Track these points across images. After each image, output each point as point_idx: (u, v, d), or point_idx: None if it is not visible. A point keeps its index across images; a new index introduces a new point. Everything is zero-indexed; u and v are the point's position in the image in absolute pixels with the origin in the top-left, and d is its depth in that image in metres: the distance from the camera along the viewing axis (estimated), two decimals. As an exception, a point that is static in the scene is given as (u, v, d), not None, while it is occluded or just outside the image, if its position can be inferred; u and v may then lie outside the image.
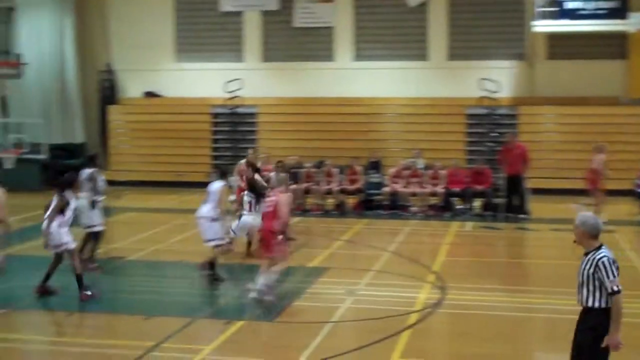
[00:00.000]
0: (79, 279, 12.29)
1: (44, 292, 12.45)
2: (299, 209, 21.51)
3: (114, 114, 29.09)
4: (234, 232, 14.87)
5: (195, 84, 28.76)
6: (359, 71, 27.97)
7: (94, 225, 14.33)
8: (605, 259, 6.98)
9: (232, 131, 28.10)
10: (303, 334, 10.61)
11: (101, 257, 14.81)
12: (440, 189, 21.58)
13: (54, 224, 12.16)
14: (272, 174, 17.26)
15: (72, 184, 12.56)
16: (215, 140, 28.21)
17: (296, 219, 20.81)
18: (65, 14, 28.88)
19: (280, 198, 12.16)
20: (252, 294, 12.01)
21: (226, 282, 13.39)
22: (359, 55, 28.38)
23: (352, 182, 22.19)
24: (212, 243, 13.45)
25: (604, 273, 6.95)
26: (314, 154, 24.91)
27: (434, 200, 21.76)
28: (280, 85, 28.46)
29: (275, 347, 10.35)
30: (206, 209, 13.39)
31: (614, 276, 6.94)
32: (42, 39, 28.81)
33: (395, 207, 21.64)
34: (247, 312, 11.72)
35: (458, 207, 21.64)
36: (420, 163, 22.85)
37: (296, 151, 24.61)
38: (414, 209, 21.51)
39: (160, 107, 29.10)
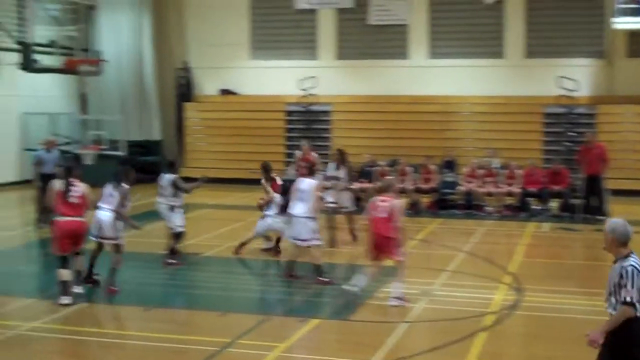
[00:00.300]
0: (113, 272, 12.68)
1: (92, 282, 12.92)
2: (373, 208, 21.50)
3: (190, 111, 29.49)
4: (257, 232, 15.25)
5: (270, 82, 28.95)
6: (433, 69, 27.78)
7: (175, 227, 14.68)
8: (630, 267, 6.75)
9: (306, 129, 28.20)
10: (377, 333, 10.58)
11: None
12: (516, 188, 21.29)
13: (112, 216, 12.56)
14: (331, 164, 17.28)
15: (127, 176, 12.93)
16: (289, 138, 28.31)
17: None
18: (144, 13, 29.40)
19: (394, 203, 12.01)
20: (354, 288, 11.96)
21: (303, 280, 13.41)
22: (434, 53, 28.17)
23: (427, 181, 22.05)
24: (306, 243, 13.26)
25: (624, 281, 6.73)
26: (388, 153, 24.85)
27: (509, 201, 21.49)
28: (354, 83, 28.45)
29: (349, 345, 10.34)
30: (302, 208, 13.13)
31: (632, 287, 6.71)
32: (121, 37, 29.39)
33: (470, 206, 21.43)
34: (321, 310, 11.75)
35: (534, 207, 21.32)
36: (496, 162, 22.59)
37: (370, 149, 24.55)
38: (489, 209, 21.26)
39: (235, 104, 29.39)
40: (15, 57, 23.77)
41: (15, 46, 23.60)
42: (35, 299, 12.18)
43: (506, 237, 18.70)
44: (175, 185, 14.58)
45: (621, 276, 6.76)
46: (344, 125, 28.06)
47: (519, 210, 21.14)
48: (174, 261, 14.53)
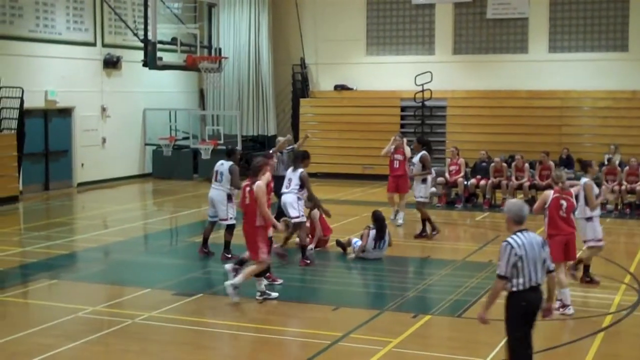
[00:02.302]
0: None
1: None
2: (487, 204, 21.24)
3: (305, 106, 29.75)
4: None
5: (385, 77, 28.92)
6: (553, 63, 27.13)
7: (293, 218, 14.51)
8: (504, 243, 7.37)
9: (421, 124, 28.04)
10: (489, 331, 10.39)
11: (291, 247, 15.25)
12: (638, 186, 20.57)
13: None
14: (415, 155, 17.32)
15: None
16: (404, 134, 28.11)
17: (484, 214, 20.54)
18: (262, 10, 29.82)
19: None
20: (569, 311, 11.20)
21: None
22: (554, 47, 27.50)
23: (543, 177, 21.56)
24: (590, 244, 12.71)
25: (500, 256, 7.38)
26: (504, 149, 24.49)
27: (631, 198, 20.78)
28: (470, 78, 28.09)
29: (461, 342, 10.25)
30: (579, 209, 12.43)
31: (501, 260, 7.34)
32: (240, 34, 29.93)
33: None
34: (435, 306, 11.68)
35: (658, 206, 20.57)
36: (617, 159, 21.91)
37: (485, 145, 24.24)
38: (609, 206, 20.63)
39: (350, 100, 29.47)
40: (139, 55, 24.52)
41: (140, 44, 24.35)
42: (151, 289, 12.52)
43: (627, 236, 18.12)
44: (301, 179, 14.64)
45: (500, 251, 7.39)
46: (459, 120, 27.76)
47: (641, 208, 20.43)
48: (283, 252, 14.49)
